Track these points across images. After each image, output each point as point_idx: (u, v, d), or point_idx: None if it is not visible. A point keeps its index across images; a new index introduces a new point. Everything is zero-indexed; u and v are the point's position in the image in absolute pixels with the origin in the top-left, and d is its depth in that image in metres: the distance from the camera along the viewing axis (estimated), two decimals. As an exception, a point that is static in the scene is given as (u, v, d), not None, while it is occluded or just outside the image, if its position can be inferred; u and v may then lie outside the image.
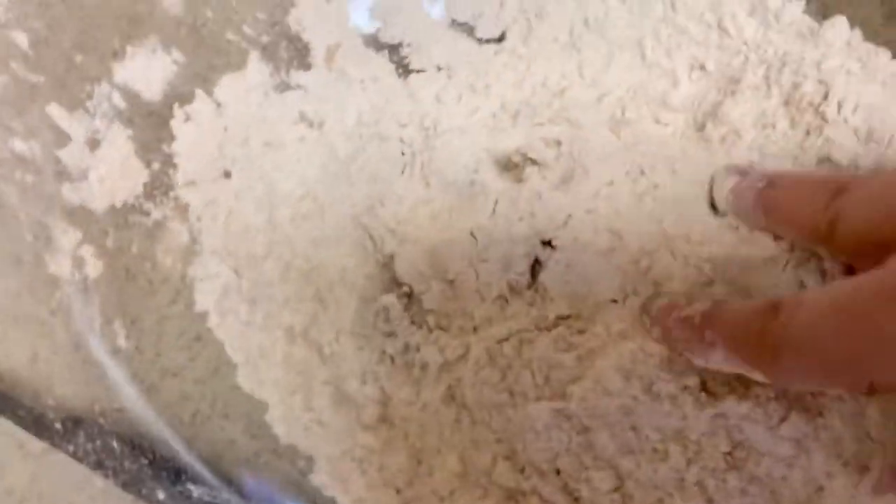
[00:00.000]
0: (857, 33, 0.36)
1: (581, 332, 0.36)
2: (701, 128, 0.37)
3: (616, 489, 0.33)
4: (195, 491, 0.35)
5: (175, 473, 0.35)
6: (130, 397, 0.41)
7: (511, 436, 0.35)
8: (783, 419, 0.31)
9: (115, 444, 0.34)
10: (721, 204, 0.34)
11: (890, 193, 0.26)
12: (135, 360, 0.41)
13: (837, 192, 0.28)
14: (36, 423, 0.37)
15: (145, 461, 0.34)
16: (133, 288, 0.40)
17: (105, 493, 0.38)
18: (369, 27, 0.45)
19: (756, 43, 0.38)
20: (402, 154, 0.42)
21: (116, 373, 0.41)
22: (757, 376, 0.28)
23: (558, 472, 0.34)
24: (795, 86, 0.36)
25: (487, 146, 0.40)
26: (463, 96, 0.43)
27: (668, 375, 0.33)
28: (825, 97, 0.35)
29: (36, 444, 0.39)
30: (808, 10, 0.37)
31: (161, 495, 0.33)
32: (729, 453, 0.32)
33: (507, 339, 0.36)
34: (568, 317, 0.36)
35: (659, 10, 0.41)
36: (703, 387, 0.32)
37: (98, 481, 0.38)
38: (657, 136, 0.38)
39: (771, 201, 0.31)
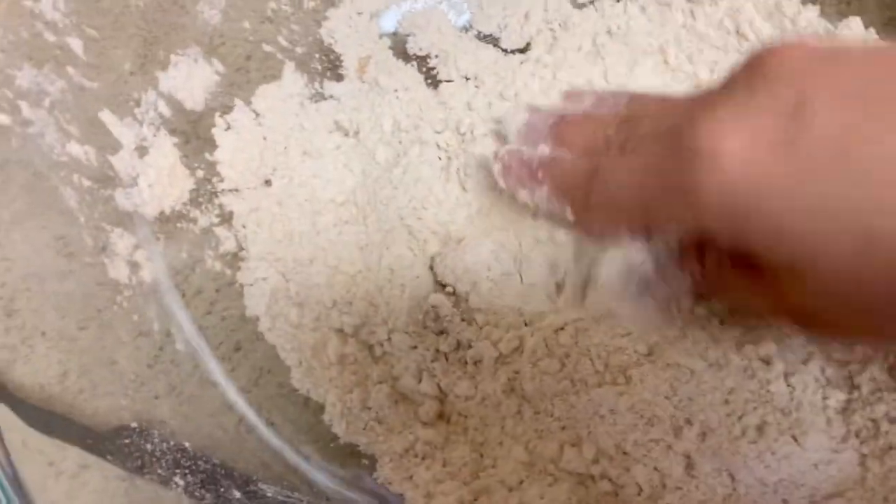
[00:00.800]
0: (872, 33, 0.39)
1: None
2: None
3: (686, 468, 0.34)
4: (268, 490, 0.34)
5: (245, 474, 0.34)
6: (171, 408, 0.40)
7: (576, 423, 0.36)
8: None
9: (187, 444, 0.34)
10: (511, 136, 0.38)
11: (668, 117, 0.31)
12: (172, 373, 0.41)
13: (625, 121, 0.34)
14: (89, 435, 0.36)
15: (217, 461, 0.34)
16: (177, 294, 0.40)
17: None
18: (398, 39, 0.46)
19: (774, 45, 0.41)
20: (439, 159, 0.43)
21: (158, 384, 0.40)
22: (569, 215, 0.35)
23: (626, 454, 0.35)
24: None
25: None
26: (493, 104, 0.44)
27: (732, 357, 0.34)
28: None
29: (69, 462, 0.38)
30: (823, 14, 0.40)
31: (237, 494, 0.33)
32: (794, 437, 0.33)
33: (562, 328, 0.37)
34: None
35: (679, 19, 0.43)
36: (767, 365, 0.34)
37: (137, 493, 0.37)
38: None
39: (560, 135, 0.36)
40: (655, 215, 0.30)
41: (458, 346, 0.39)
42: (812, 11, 0.41)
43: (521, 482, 0.36)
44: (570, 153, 0.35)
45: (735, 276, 0.29)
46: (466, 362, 0.39)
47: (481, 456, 0.37)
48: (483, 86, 0.44)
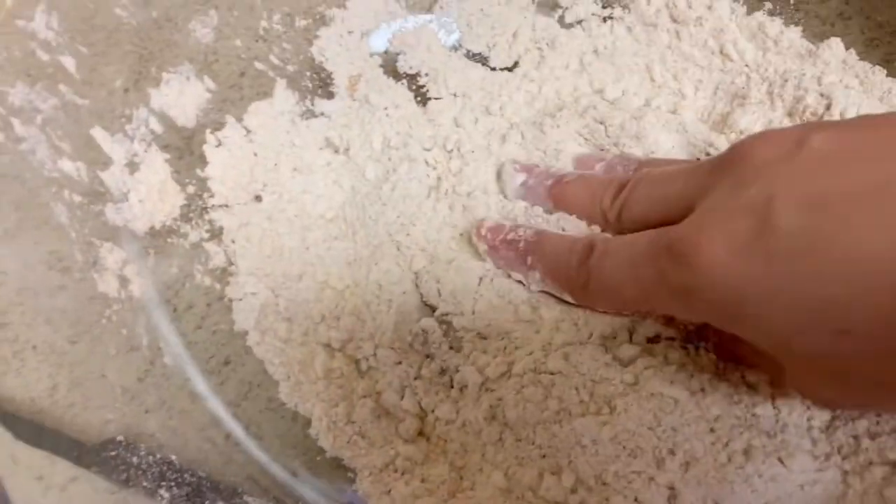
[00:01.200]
0: (853, 53, 0.40)
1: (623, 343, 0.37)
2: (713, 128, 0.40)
3: (668, 499, 0.33)
4: (252, 502, 0.34)
5: (231, 487, 0.34)
6: (160, 422, 0.40)
7: (557, 451, 0.35)
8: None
9: (173, 457, 0.34)
10: (511, 195, 0.40)
11: (657, 190, 0.33)
12: (162, 387, 0.41)
13: (620, 189, 0.35)
14: (78, 448, 0.37)
15: (203, 474, 0.34)
16: (168, 309, 0.40)
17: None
18: (389, 58, 0.47)
19: (757, 64, 0.42)
20: (428, 176, 0.43)
21: (148, 398, 0.40)
22: (567, 297, 0.36)
23: (606, 484, 0.34)
24: (798, 99, 0.39)
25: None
26: (479, 119, 0.45)
27: (718, 384, 0.34)
28: (828, 108, 0.38)
29: (58, 476, 0.38)
30: (804, 35, 0.41)
31: (222, 507, 0.33)
32: (780, 460, 0.33)
33: (549, 352, 0.37)
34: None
35: (664, 39, 0.44)
36: (753, 390, 0.34)
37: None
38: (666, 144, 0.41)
39: (559, 196, 0.38)
40: (655, 305, 0.32)
41: (443, 371, 0.39)
42: (794, 32, 0.41)
43: None
44: (570, 212, 0.38)
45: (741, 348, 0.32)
46: (452, 385, 0.39)
47: (460, 477, 0.37)
48: (469, 101, 0.45)
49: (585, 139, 0.41)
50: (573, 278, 0.35)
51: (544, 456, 0.35)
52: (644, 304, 0.33)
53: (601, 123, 0.40)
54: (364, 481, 0.38)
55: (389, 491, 0.37)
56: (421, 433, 0.38)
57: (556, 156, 0.41)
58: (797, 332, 0.25)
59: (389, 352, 0.40)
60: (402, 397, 0.39)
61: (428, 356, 0.40)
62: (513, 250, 0.37)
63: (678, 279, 0.28)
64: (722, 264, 0.26)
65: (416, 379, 0.39)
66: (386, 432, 0.39)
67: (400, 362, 0.40)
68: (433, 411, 0.38)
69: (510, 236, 0.37)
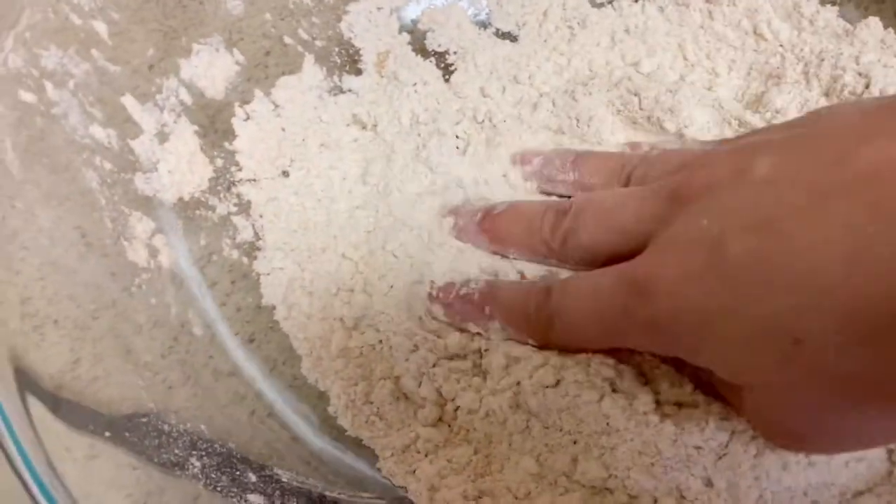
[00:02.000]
0: (891, 33, 0.39)
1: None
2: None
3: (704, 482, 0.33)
4: (283, 475, 0.34)
5: (261, 459, 0.34)
6: (186, 397, 0.40)
7: (587, 437, 0.34)
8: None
9: (203, 427, 0.34)
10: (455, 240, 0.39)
11: (606, 219, 0.33)
12: (187, 363, 0.41)
13: (559, 216, 0.35)
14: (102, 421, 0.36)
15: (232, 445, 0.34)
16: (196, 282, 0.40)
17: (153, 495, 0.37)
18: (418, 34, 0.46)
19: (792, 44, 0.41)
20: (457, 148, 0.43)
21: (171, 373, 0.40)
22: (530, 342, 0.35)
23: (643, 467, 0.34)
24: (835, 78, 0.39)
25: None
26: (507, 88, 0.44)
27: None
28: (867, 87, 0.38)
29: (80, 450, 0.38)
30: (841, 14, 0.41)
31: (253, 477, 0.32)
32: None
33: None
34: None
35: (697, 19, 0.44)
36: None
37: (145, 485, 0.37)
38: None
39: (491, 232, 0.38)
40: (623, 341, 0.32)
41: (457, 355, 0.38)
42: (831, 12, 0.41)
43: (529, 493, 0.34)
44: (509, 250, 0.38)
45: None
46: (470, 373, 0.38)
47: (488, 461, 0.36)
48: (496, 72, 0.45)
49: (618, 110, 0.40)
50: (534, 324, 0.35)
51: (575, 442, 0.35)
52: (612, 341, 0.33)
53: (635, 95, 0.40)
54: (387, 461, 0.37)
55: (414, 471, 0.36)
56: (441, 419, 0.37)
57: (587, 123, 0.40)
58: (755, 353, 0.26)
59: (403, 339, 0.38)
60: (420, 384, 0.38)
61: (440, 337, 0.39)
62: (469, 303, 0.37)
63: (644, 313, 0.29)
64: (682, 295, 0.27)
65: (434, 366, 0.38)
66: (404, 415, 0.38)
67: (416, 348, 0.38)
68: (454, 400, 0.37)
69: (462, 291, 0.37)
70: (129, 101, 0.37)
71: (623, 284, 0.30)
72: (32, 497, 0.32)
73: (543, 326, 0.34)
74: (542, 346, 0.35)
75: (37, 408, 0.34)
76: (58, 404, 0.37)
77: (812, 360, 0.25)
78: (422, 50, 0.46)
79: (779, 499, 0.31)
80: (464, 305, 0.37)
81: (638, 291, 0.29)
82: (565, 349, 0.35)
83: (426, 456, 0.36)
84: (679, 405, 0.34)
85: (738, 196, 0.27)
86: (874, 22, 0.40)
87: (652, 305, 0.28)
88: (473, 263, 0.39)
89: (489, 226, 0.38)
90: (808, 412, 0.27)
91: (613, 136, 0.41)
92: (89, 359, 0.39)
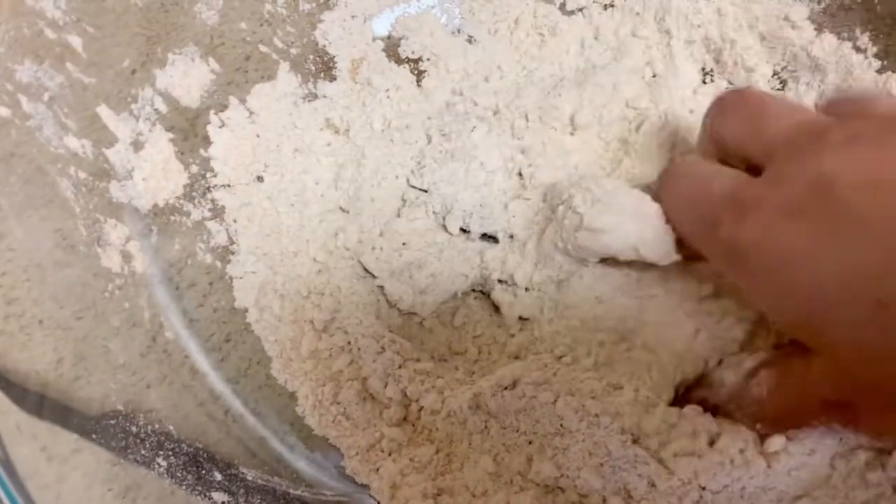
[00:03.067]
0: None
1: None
2: None
3: (649, 484, 0.34)
4: (249, 474, 0.35)
5: (228, 458, 0.35)
6: (161, 396, 0.41)
7: (542, 437, 0.36)
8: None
9: (171, 428, 0.35)
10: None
11: (753, 118, 0.32)
12: (164, 362, 0.42)
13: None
14: (81, 419, 0.38)
15: (200, 445, 0.35)
16: (171, 286, 0.41)
17: (131, 489, 0.38)
18: (392, 42, 0.47)
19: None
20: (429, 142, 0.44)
21: (149, 373, 0.41)
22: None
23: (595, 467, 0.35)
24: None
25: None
26: (479, 86, 0.45)
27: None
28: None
29: (62, 447, 0.39)
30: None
31: (218, 476, 0.34)
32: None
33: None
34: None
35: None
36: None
37: (125, 479, 0.38)
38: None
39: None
40: (703, 243, 0.32)
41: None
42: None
43: (486, 491, 0.36)
44: None
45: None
46: (434, 375, 0.39)
47: (448, 460, 0.38)
48: (468, 77, 0.46)
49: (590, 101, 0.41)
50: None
51: (530, 442, 0.36)
52: (697, 239, 0.32)
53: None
54: (352, 460, 0.39)
55: (378, 469, 0.38)
56: (405, 419, 0.39)
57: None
58: (838, 303, 0.26)
59: (371, 341, 0.40)
60: (386, 385, 0.39)
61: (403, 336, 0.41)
62: None
63: (734, 234, 0.29)
64: (777, 228, 0.27)
65: (400, 368, 0.39)
66: (370, 415, 0.39)
67: (383, 350, 0.40)
68: (417, 400, 0.39)
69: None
70: (103, 111, 0.38)
71: (727, 196, 0.30)
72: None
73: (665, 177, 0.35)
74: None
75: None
76: (39, 403, 0.38)
77: (892, 326, 0.25)
78: (395, 57, 0.47)
79: (718, 500, 0.32)
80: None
81: (736, 208, 0.29)
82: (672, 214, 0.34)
83: (389, 455, 0.38)
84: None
85: (852, 152, 0.27)
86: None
87: (745, 228, 0.28)
88: (452, 264, 0.41)
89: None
90: (879, 381, 0.27)
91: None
92: (71, 358, 0.40)
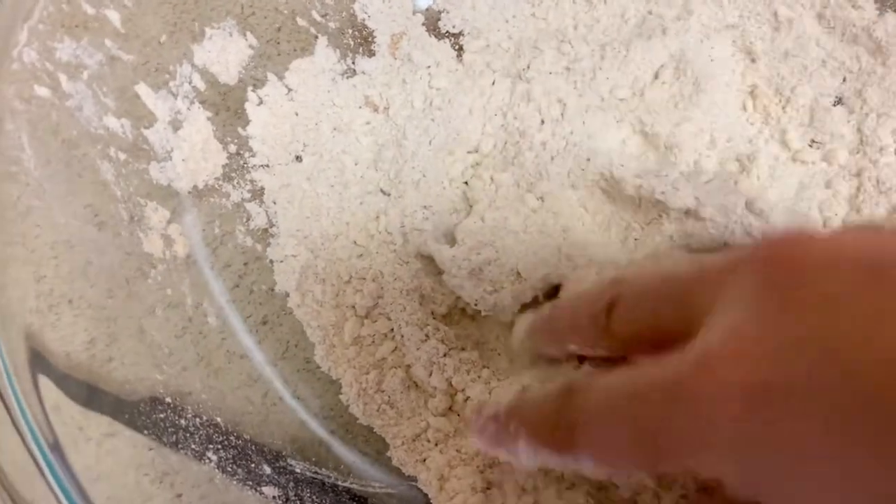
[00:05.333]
0: None
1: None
2: None
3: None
4: (297, 466, 0.35)
5: (276, 450, 0.35)
6: (198, 379, 0.41)
7: None
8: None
9: (219, 419, 0.34)
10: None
11: (652, 296, 0.27)
12: (200, 344, 0.41)
13: (612, 299, 0.29)
14: (119, 406, 0.37)
15: (248, 437, 0.34)
16: (210, 268, 0.40)
17: (166, 475, 0.38)
18: (432, 15, 0.46)
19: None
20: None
21: (186, 355, 0.41)
22: (552, 462, 0.28)
23: None
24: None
25: None
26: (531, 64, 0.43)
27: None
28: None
29: (94, 430, 0.39)
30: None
31: (267, 469, 0.33)
32: None
33: None
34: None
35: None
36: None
37: (161, 464, 0.38)
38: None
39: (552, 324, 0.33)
40: (663, 460, 0.24)
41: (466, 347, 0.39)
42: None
43: (536, 486, 0.35)
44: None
45: None
46: (479, 365, 0.38)
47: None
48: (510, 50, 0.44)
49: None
50: (555, 428, 0.27)
51: None
52: (649, 462, 0.25)
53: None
54: (398, 450, 0.38)
55: (425, 459, 0.37)
56: (451, 409, 0.38)
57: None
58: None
59: (415, 329, 0.39)
60: (431, 374, 0.38)
61: (445, 316, 0.40)
62: (495, 423, 0.30)
63: (692, 428, 0.22)
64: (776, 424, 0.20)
65: (444, 356, 0.39)
66: (415, 404, 0.39)
67: (427, 338, 0.39)
68: (463, 390, 0.38)
69: (492, 411, 0.30)
70: (142, 89, 0.37)
71: (669, 385, 0.23)
72: (42, 474, 0.33)
73: (565, 434, 0.26)
74: (565, 468, 0.32)
75: (48, 387, 0.34)
76: (73, 385, 0.38)
77: None
78: (436, 31, 0.46)
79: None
80: (492, 427, 0.30)
81: (690, 400, 0.22)
82: (589, 468, 0.27)
83: (436, 445, 0.37)
84: None
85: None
86: None
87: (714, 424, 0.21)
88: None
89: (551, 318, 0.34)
90: None
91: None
92: (104, 339, 0.40)
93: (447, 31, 0.46)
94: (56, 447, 0.33)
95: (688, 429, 0.22)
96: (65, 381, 0.38)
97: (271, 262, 0.41)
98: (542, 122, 0.41)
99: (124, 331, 0.40)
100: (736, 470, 0.21)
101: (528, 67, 0.43)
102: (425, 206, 0.41)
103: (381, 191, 0.42)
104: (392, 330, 0.39)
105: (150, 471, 0.38)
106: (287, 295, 0.41)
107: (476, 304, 0.38)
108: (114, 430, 0.38)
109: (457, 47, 0.45)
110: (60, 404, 0.37)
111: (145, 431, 0.33)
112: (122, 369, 0.39)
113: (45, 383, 0.36)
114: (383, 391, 0.39)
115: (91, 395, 0.38)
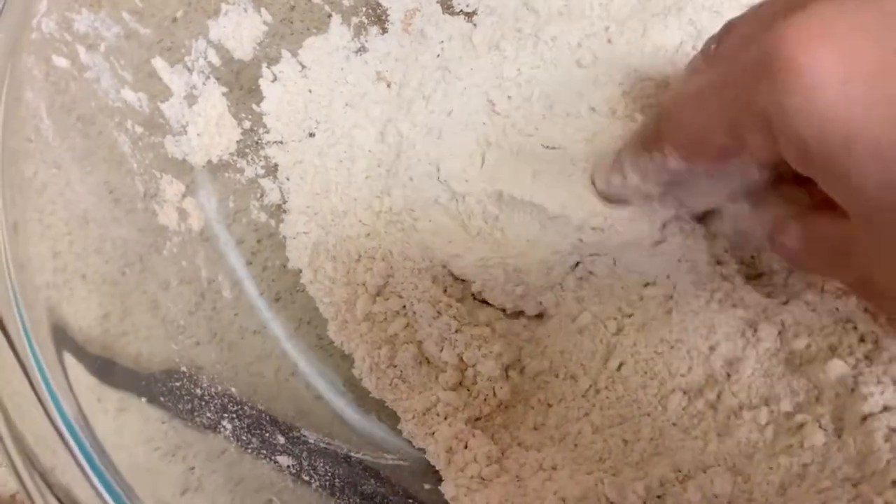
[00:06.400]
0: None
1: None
2: None
3: None
4: (310, 437, 0.35)
5: (289, 421, 0.35)
6: (211, 353, 0.41)
7: (604, 409, 0.36)
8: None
9: (233, 389, 0.35)
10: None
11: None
12: (213, 319, 0.42)
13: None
14: (134, 377, 0.37)
15: (262, 408, 0.35)
16: (224, 243, 0.41)
17: (179, 448, 0.38)
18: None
19: None
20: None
21: (199, 330, 0.41)
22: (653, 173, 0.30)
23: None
24: None
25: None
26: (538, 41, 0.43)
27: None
28: None
29: (112, 402, 0.39)
30: None
31: (281, 439, 0.34)
32: None
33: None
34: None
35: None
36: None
37: (173, 437, 0.38)
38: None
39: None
40: (735, 139, 0.24)
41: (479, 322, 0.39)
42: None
43: (554, 466, 0.35)
44: None
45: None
46: (493, 340, 0.39)
47: (505, 426, 0.38)
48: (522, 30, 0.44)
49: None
50: (642, 130, 0.29)
51: (588, 414, 0.36)
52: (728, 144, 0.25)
53: None
54: (408, 423, 0.38)
55: (433, 433, 0.38)
56: (461, 384, 0.39)
57: None
58: None
59: (427, 305, 0.39)
60: (442, 349, 0.39)
61: (461, 300, 0.40)
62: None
63: (770, 100, 0.22)
64: (835, 92, 0.21)
65: (456, 332, 0.39)
66: (427, 379, 0.39)
67: (439, 314, 0.39)
68: (475, 366, 0.38)
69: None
70: (159, 63, 0.37)
71: (753, 60, 0.23)
72: (66, 444, 0.34)
73: (651, 132, 0.28)
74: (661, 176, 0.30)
75: (70, 360, 0.35)
76: (89, 358, 0.38)
77: None
78: (450, 9, 0.46)
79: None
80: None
81: (772, 72, 0.22)
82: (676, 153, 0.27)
83: (445, 419, 0.38)
84: None
85: None
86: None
87: (788, 94, 0.21)
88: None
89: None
90: None
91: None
92: (118, 313, 0.40)
93: (461, 10, 0.46)
94: (79, 417, 0.33)
95: (781, 95, 0.22)
96: (82, 355, 0.38)
97: (284, 238, 0.41)
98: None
99: (137, 306, 0.40)
100: (839, 132, 0.21)
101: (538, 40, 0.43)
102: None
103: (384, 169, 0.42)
104: (404, 307, 0.40)
105: (162, 444, 0.38)
106: (300, 271, 0.41)
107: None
108: (126, 404, 0.38)
109: (470, 24, 0.45)
110: (80, 376, 0.37)
111: (161, 399, 0.33)
112: (136, 343, 0.40)
113: (68, 357, 0.37)
114: (395, 366, 0.39)
115: (106, 369, 0.39)
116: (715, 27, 0.30)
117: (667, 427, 0.34)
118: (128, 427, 0.38)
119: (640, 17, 0.42)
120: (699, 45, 0.35)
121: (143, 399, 0.37)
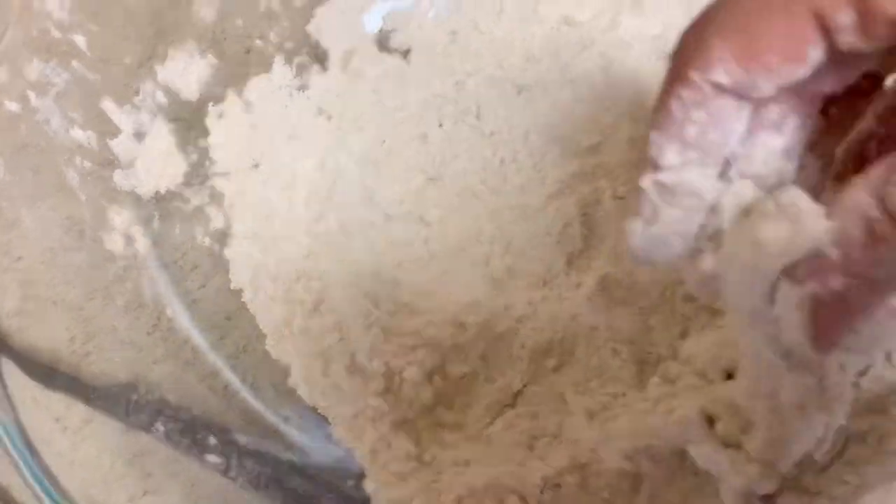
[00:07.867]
0: None
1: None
2: None
3: None
4: (241, 439, 0.38)
5: (223, 425, 0.38)
6: (166, 372, 0.44)
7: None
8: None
9: (170, 397, 0.38)
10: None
11: None
12: (169, 339, 0.45)
13: None
14: (80, 389, 0.41)
15: (197, 413, 0.38)
16: (173, 268, 0.44)
17: (138, 457, 0.41)
18: (383, 35, 0.49)
19: None
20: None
21: (155, 350, 0.44)
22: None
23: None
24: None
25: None
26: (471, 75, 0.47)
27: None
28: None
29: (74, 418, 0.42)
30: None
31: (212, 441, 0.37)
32: None
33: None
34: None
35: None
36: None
37: (133, 446, 0.41)
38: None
39: None
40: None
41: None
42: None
43: (468, 462, 0.38)
44: None
45: None
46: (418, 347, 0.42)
47: (428, 427, 0.41)
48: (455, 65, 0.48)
49: None
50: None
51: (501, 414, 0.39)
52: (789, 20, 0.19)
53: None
54: (338, 428, 0.41)
55: (361, 436, 0.40)
56: (388, 390, 0.41)
57: None
58: None
59: (359, 319, 0.42)
60: (372, 360, 0.41)
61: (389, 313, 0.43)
62: None
63: None
64: None
65: (385, 342, 0.42)
66: (357, 387, 0.41)
67: (370, 327, 0.42)
68: (401, 373, 0.41)
69: None
70: (107, 104, 0.41)
71: None
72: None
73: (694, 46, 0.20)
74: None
75: (15, 378, 0.38)
76: (54, 377, 0.42)
77: None
78: (386, 49, 0.49)
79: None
80: None
81: None
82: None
83: (373, 422, 0.41)
84: None
85: None
86: None
87: None
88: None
89: None
90: None
91: None
92: (82, 337, 0.43)
93: (396, 49, 0.49)
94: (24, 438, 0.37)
95: None
96: (45, 374, 0.42)
97: (227, 261, 0.44)
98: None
99: (100, 329, 0.44)
100: None
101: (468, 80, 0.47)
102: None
103: (323, 195, 0.46)
104: (338, 322, 0.43)
105: (123, 452, 0.41)
106: (241, 291, 0.44)
107: None
108: (90, 417, 0.42)
109: (405, 62, 0.49)
110: (37, 396, 0.41)
111: (100, 405, 0.37)
112: (100, 363, 0.43)
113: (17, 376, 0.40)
114: (328, 376, 0.42)
115: (70, 385, 0.42)
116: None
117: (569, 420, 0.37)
118: (91, 439, 0.42)
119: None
120: None
121: (94, 408, 0.41)
